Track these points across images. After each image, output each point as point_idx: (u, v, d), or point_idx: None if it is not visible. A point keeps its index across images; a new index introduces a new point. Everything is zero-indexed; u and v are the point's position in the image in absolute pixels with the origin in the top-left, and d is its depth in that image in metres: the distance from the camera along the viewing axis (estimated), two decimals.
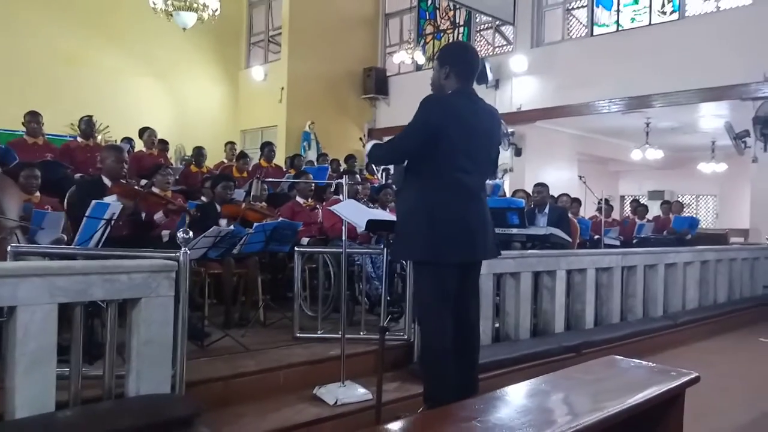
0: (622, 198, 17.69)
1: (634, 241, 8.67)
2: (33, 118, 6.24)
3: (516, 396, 1.97)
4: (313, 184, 6.40)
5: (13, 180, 4.06)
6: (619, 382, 2.13)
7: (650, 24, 10.58)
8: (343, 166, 9.21)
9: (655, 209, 11.22)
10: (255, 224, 4.62)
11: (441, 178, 2.87)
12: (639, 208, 9.67)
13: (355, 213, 3.16)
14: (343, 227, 3.58)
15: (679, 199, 13.33)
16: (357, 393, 3.47)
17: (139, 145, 7.93)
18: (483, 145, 2.98)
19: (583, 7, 11.61)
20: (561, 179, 11.43)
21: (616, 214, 12.34)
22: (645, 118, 11.35)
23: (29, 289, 2.42)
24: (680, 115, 11.04)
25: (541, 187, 6.50)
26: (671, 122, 11.56)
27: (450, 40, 13.71)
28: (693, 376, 2.17)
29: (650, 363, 2.43)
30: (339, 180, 4.93)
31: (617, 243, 8.06)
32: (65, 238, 3.96)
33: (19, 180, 4.43)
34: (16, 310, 2.40)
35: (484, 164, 3.03)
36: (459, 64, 3.00)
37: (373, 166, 5.19)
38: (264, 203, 6.10)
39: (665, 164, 14.49)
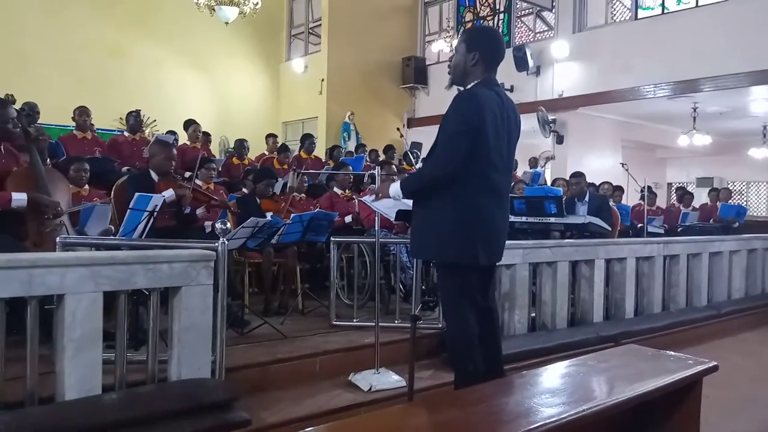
0: (670, 185, 17.22)
1: (679, 229, 8.47)
2: (82, 113, 6.51)
3: (527, 382, 2.00)
4: (351, 175, 6.47)
5: (62, 173, 4.24)
6: (634, 370, 2.13)
7: (697, 6, 10.23)
8: (382, 157, 9.26)
9: (703, 196, 10.91)
10: (292, 215, 4.71)
11: (475, 178, 2.75)
12: (685, 196, 9.45)
13: (385, 204, 3.19)
14: (377, 217, 3.64)
15: (728, 186, 12.91)
16: (391, 380, 3.54)
17: (183, 137, 8.14)
18: (510, 139, 2.92)
19: None
20: (604, 166, 11.22)
21: (663, 202, 12.07)
22: (692, 103, 11.01)
23: (76, 278, 2.55)
24: (729, 100, 10.66)
25: (578, 177, 6.41)
26: (720, 107, 11.19)
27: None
28: (710, 365, 2.14)
29: (669, 352, 2.41)
30: (372, 171, 4.98)
31: (661, 232, 7.89)
32: (113, 229, 4.14)
33: (69, 173, 4.64)
34: (64, 298, 2.54)
35: (511, 158, 2.97)
36: (489, 51, 2.85)
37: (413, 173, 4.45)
38: (303, 195, 6.21)
39: (714, 150, 14.03)
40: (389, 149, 9.66)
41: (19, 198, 3.35)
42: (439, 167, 2.77)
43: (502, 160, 2.85)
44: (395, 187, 2.92)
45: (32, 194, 3.41)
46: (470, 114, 2.69)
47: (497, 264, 3.10)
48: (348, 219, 5.70)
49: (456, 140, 2.70)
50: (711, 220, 8.83)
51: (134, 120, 6.99)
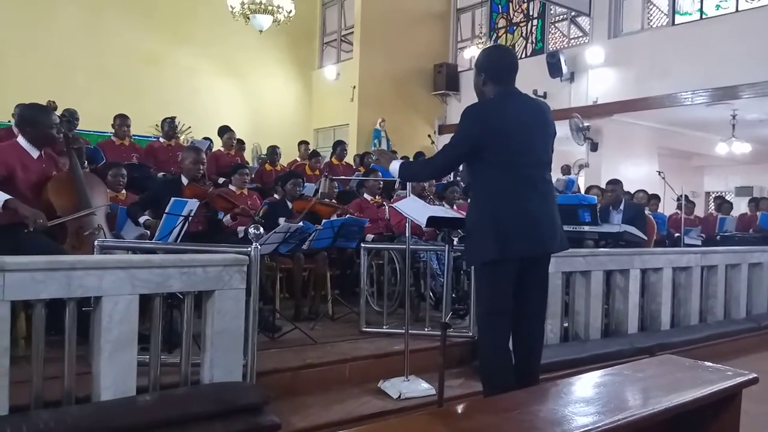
0: (708, 194, 16.84)
1: (717, 237, 8.28)
2: (122, 121, 6.65)
3: (561, 390, 1.97)
4: (381, 182, 6.47)
5: (101, 178, 4.34)
6: (670, 380, 2.07)
7: (737, 10, 10.02)
8: None
9: (742, 206, 10.64)
10: (323, 221, 4.74)
11: (496, 178, 2.83)
12: (724, 205, 9.24)
13: (416, 210, 3.19)
14: (407, 224, 3.63)
15: None
16: (420, 388, 3.53)
17: (217, 144, 8.26)
18: (538, 142, 2.92)
19: None
20: (639, 174, 11.02)
21: (700, 211, 11.79)
22: (731, 110, 10.76)
23: (113, 281, 2.61)
24: None
25: (614, 185, 6.31)
26: (760, 114, 10.91)
27: (523, 34, 13.50)
28: (750, 377, 2.08)
29: (707, 363, 2.34)
30: None
31: (698, 243, 7.71)
32: (148, 233, 4.22)
33: (107, 179, 4.75)
34: (102, 300, 2.60)
35: (542, 160, 2.95)
36: (492, 69, 2.98)
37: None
38: (334, 201, 6.23)
39: (754, 158, 13.66)
40: (420, 156, 9.64)
41: None
42: (435, 165, 3.19)
43: (529, 161, 2.87)
44: (394, 167, 3.15)
45: (14, 201, 3.13)
46: (470, 126, 2.87)
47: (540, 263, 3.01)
48: (370, 237, 5.63)
49: (454, 147, 2.95)
50: (750, 230, 8.61)
51: (169, 126, 7.11)
